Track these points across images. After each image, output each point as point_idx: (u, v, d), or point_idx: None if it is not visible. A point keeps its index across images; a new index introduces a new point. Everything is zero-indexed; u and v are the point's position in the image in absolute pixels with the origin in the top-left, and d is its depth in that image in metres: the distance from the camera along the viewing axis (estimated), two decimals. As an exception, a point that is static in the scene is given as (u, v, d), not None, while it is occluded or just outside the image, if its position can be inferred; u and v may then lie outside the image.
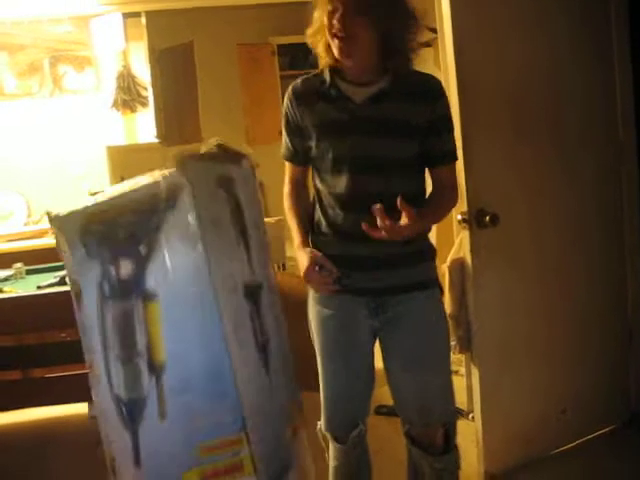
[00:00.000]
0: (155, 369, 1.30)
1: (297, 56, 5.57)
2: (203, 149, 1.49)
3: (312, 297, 2.11)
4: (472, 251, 2.58)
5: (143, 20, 5.05)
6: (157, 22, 5.07)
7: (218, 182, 1.39)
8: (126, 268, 1.30)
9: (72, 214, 1.38)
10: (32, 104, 5.18)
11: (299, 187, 2.14)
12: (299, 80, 2.05)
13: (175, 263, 1.30)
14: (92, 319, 1.34)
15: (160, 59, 5.20)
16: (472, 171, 2.55)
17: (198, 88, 5.42)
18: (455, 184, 2.08)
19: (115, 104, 5.31)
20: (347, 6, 1.83)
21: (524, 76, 2.66)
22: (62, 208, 1.43)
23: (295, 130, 2.03)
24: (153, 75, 5.18)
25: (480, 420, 2.68)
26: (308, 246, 2.03)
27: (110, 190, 1.44)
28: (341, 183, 1.96)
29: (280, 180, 2.19)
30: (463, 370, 3.21)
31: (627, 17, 2.84)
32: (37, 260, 3.71)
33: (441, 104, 1.98)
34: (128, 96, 5.33)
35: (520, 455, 2.74)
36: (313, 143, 1.99)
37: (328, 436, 2.14)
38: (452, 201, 2.07)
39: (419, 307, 2.03)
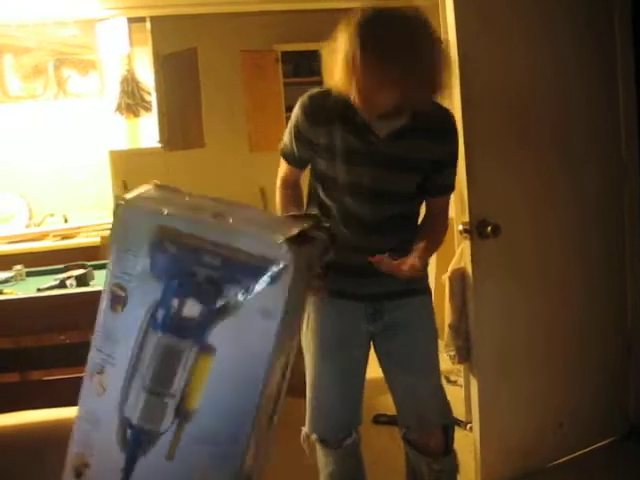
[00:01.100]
0: (182, 414, 1.22)
1: (301, 63, 5.58)
2: (309, 229, 1.25)
3: (310, 302, 2.09)
4: (473, 261, 2.58)
5: (148, 25, 5.06)
6: (162, 27, 5.09)
7: (308, 268, 1.25)
8: (192, 310, 1.18)
9: (151, 213, 1.21)
10: (36, 107, 5.18)
11: (293, 186, 2.15)
12: (316, 93, 1.97)
13: (246, 333, 1.19)
14: (126, 333, 1.24)
15: (164, 64, 5.21)
16: (475, 181, 2.55)
17: (202, 94, 5.43)
18: (447, 210, 2.13)
19: (119, 108, 5.31)
20: (391, 82, 1.75)
21: (528, 86, 2.66)
22: (134, 193, 1.24)
23: (304, 142, 2.00)
24: (157, 80, 5.19)
25: (478, 431, 2.67)
26: None
27: (206, 201, 1.24)
28: (347, 204, 2.00)
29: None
30: (462, 381, 3.20)
31: (631, 35, 2.84)
32: (38, 262, 3.71)
33: (453, 145, 2.03)
34: (132, 100, 5.33)
35: (517, 467, 2.73)
36: (324, 162, 1.99)
37: (316, 441, 2.11)
38: (444, 228, 2.12)
39: (414, 312, 2.09)
